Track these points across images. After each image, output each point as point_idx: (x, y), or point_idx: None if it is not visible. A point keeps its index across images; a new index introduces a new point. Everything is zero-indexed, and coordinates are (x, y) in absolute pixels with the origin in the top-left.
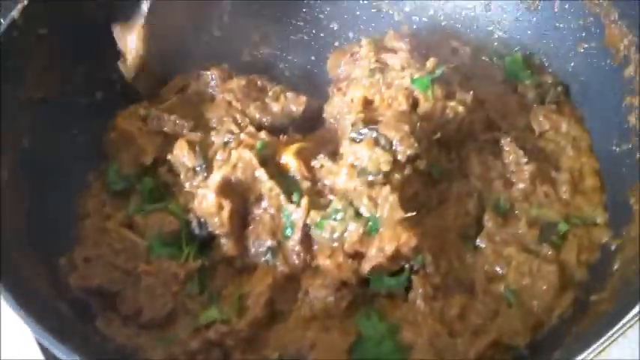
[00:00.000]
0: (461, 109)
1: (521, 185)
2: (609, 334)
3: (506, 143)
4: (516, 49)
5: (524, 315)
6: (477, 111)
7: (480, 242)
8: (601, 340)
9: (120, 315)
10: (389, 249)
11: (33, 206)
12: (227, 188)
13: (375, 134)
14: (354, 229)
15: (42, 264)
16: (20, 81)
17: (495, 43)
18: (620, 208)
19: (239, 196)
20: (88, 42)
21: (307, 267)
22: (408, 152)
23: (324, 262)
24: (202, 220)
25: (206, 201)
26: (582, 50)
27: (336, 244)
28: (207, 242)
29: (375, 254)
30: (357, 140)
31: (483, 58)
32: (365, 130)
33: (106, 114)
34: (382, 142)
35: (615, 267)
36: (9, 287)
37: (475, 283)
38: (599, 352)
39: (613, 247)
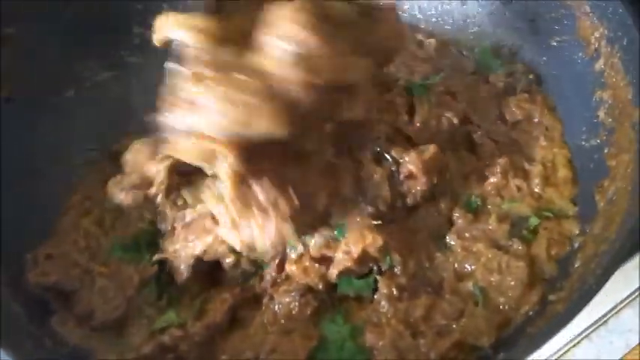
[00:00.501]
0: (456, 120)
1: (493, 179)
2: (558, 334)
3: (479, 137)
4: (487, 42)
5: (490, 313)
6: (451, 105)
7: (450, 240)
8: (550, 341)
9: (75, 315)
10: (355, 251)
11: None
12: None
13: None
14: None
15: None
16: None
17: (471, 37)
18: (587, 204)
19: None
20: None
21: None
22: None
23: (290, 267)
24: None
25: None
26: (555, 44)
27: (301, 250)
28: None
29: (342, 257)
30: None
31: (452, 50)
32: None
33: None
34: None
35: (577, 265)
36: None
37: (443, 283)
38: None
39: (576, 245)
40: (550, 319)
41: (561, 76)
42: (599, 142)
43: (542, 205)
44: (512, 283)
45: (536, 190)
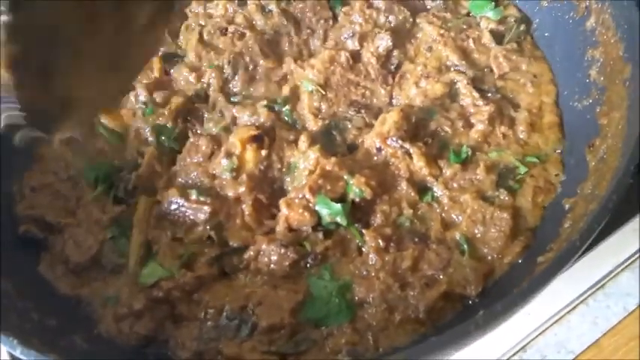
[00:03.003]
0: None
1: (480, 127)
2: (541, 289)
3: (463, 85)
4: None
5: (476, 263)
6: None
7: (437, 190)
8: (533, 296)
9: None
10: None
11: None
12: None
13: None
14: None
15: None
16: None
17: None
18: (578, 165)
19: None
20: None
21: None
22: None
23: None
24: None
25: None
26: (546, 4)
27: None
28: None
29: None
30: None
31: None
32: None
33: None
34: None
35: (565, 226)
36: None
37: (430, 232)
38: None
39: (567, 207)
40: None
41: (553, 37)
42: (591, 102)
43: (527, 151)
44: (496, 234)
45: (522, 136)
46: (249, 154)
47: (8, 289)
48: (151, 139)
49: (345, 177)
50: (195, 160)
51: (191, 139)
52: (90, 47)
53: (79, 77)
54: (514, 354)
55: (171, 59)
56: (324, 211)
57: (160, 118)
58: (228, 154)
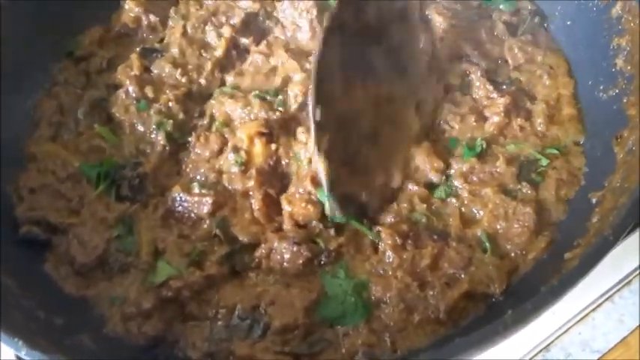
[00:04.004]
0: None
1: (495, 119)
2: (572, 287)
3: (476, 77)
4: None
5: (499, 260)
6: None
7: (457, 183)
8: (563, 295)
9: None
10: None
11: None
12: None
13: None
14: None
15: None
16: None
17: None
18: (604, 157)
19: None
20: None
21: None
22: None
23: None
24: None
25: None
26: None
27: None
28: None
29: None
30: None
31: None
32: None
33: None
34: None
35: (594, 221)
36: None
37: (449, 229)
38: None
39: (594, 201)
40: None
41: (576, 26)
42: (618, 92)
43: (546, 143)
44: (520, 229)
45: (540, 129)
46: (258, 149)
47: (12, 287)
48: (158, 137)
49: None
50: (204, 157)
51: (198, 135)
52: None
53: None
54: (537, 353)
55: (151, 55)
56: (326, 207)
57: (154, 113)
58: (236, 149)
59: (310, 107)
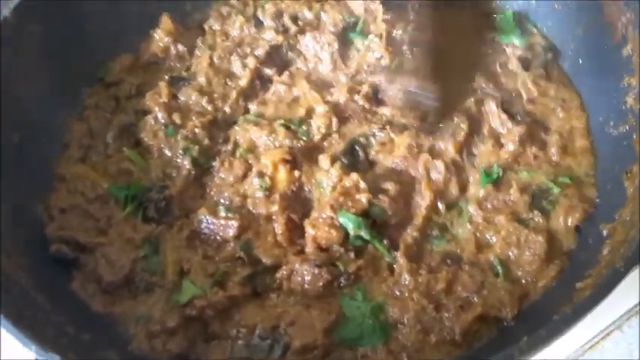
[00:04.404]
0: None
1: (510, 147)
2: (585, 316)
3: (489, 108)
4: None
5: (510, 285)
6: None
7: (472, 210)
8: (577, 327)
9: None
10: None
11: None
12: None
13: None
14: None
15: (18, 249)
16: (12, 78)
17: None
18: (614, 191)
19: None
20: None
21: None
22: None
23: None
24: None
25: None
26: (582, 32)
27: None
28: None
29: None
30: None
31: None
32: None
33: None
34: None
35: (604, 253)
36: None
37: (463, 254)
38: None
39: (605, 233)
40: (576, 304)
41: (588, 64)
42: (628, 129)
43: (559, 172)
44: (531, 257)
45: (554, 158)
46: (282, 175)
47: (43, 303)
48: (184, 161)
49: (365, 195)
50: (228, 181)
51: (222, 160)
52: None
53: None
54: None
55: (178, 83)
56: (349, 225)
57: (181, 139)
58: (261, 175)
59: None
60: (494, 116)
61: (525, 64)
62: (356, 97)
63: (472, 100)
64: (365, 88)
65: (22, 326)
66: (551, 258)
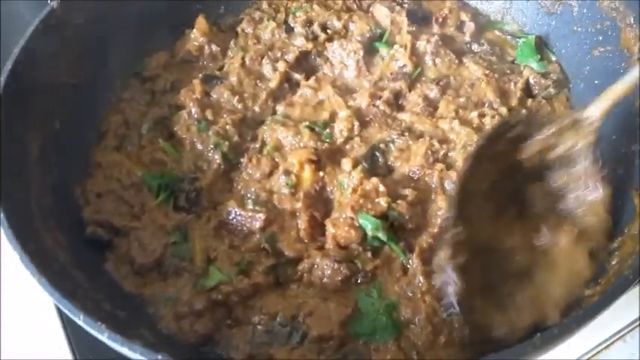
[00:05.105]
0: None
1: None
2: (594, 318)
3: (489, 121)
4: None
5: None
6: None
7: None
8: (586, 323)
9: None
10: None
11: (58, 181)
12: None
13: None
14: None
15: (58, 227)
16: (55, 67)
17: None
18: (625, 208)
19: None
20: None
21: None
22: None
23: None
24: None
25: None
26: (598, 54)
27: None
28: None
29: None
30: None
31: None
32: None
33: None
34: None
35: (613, 263)
36: (31, 257)
37: None
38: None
39: (614, 246)
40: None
41: (603, 85)
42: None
43: None
44: None
45: None
46: (307, 174)
47: (82, 280)
48: (215, 156)
49: (384, 199)
50: (255, 177)
51: (250, 157)
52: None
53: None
54: None
55: (211, 81)
56: (368, 226)
57: (212, 134)
58: (287, 172)
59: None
60: None
61: (529, 90)
62: (377, 102)
63: (476, 112)
64: (386, 94)
65: (70, 297)
66: None
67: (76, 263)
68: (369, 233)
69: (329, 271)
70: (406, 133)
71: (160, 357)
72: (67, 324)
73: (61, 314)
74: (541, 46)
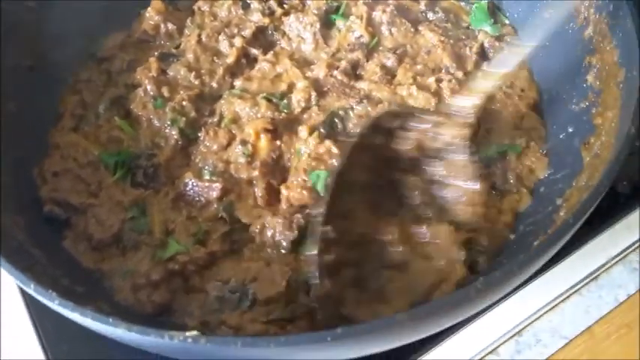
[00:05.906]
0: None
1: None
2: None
3: (447, 86)
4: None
5: None
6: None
7: None
8: (528, 269)
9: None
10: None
11: (15, 162)
12: None
13: None
14: None
15: (16, 207)
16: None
17: None
18: (574, 162)
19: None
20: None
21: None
22: None
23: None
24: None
25: None
26: (547, 16)
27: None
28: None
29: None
30: None
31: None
32: None
33: None
34: None
35: (561, 214)
36: None
37: None
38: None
39: (562, 199)
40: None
41: (553, 47)
42: (587, 105)
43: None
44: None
45: None
46: (263, 143)
47: (40, 258)
48: (172, 132)
49: (337, 159)
50: (213, 149)
51: (207, 130)
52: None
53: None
54: (511, 337)
55: (167, 59)
56: (320, 181)
57: (169, 110)
58: (244, 142)
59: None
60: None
61: (486, 53)
62: (335, 72)
63: (434, 78)
64: (344, 64)
65: (26, 272)
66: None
67: (35, 242)
68: (321, 187)
69: (280, 228)
70: (365, 101)
71: (110, 320)
72: (39, 323)
73: (32, 313)
74: (494, 10)
